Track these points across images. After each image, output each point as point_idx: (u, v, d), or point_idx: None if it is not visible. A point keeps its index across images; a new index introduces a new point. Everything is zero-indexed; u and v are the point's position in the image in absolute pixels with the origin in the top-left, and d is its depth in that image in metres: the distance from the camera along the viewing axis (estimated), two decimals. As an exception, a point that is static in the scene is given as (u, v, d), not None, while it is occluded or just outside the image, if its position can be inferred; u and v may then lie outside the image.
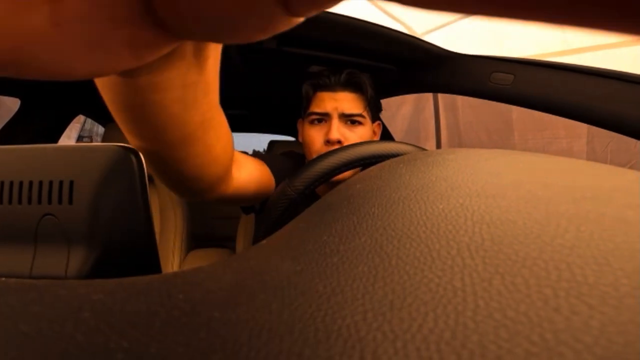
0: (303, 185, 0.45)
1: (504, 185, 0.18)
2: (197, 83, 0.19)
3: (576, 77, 0.63)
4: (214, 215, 1.71)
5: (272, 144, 1.45)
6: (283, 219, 0.47)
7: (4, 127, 1.05)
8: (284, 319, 0.08)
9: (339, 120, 0.63)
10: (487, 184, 0.18)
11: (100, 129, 2.09)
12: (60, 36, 0.10)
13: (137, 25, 0.11)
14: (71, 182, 0.18)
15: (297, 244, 0.15)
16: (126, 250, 0.20)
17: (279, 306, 0.09)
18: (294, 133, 1.76)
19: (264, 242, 0.18)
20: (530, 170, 0.21)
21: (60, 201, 0.18)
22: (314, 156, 0.63)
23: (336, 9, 0.64)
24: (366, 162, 0.47)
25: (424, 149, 0.52)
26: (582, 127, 1.84)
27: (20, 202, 0.18)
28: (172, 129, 0.21)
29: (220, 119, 0.25)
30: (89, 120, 2.50)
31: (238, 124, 1.75)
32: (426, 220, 0.14)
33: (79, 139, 2.45)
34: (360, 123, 0.64)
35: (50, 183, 0.18)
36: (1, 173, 0.19)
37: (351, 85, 0.63)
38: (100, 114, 1.36)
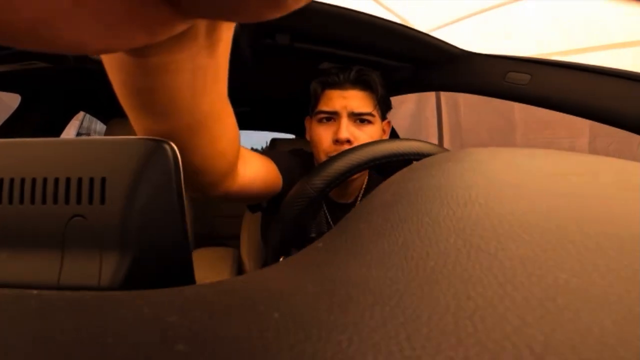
0: (323, 184, 0.44)
1: (569, 185, 0.17)
2: (207, 68, 0.19)
3: (595, 78, 0.62)
4: (215, 214, 1.69)
5: (274, 141, 1.43)
6: (301, 218, 0.45)
7: (2, 125, 1.02)
8: (435, 336, 0.07)
9: (348, 119, 0.61)
10: (550, 184, 0.17)
11: (99, 126, 2.06)
12: (78, 10, 0.10)
13: (151, 2, 0.11)
14: (103, 180, 0.16)
15: (371, 247, 0.13)
16: (161, 255, 0.18)
17: (414, 321, 0.07)
18: (295, 131, 1.75)
19: (319, 244, 0.16)
20: (579, 170, 0.20)
21: (90, 201, 0.16)
22: (322, 155, 0.63)
23: (347, 4, 0.63)
24: (389, 160, 0.45)
25: (446, 150, 0.50)
26: (584, 127, 1.85)
27: (44, 201, 0.16)
28: (180, 115, 0.21)
29: (228, 111, 0.25)
30: (87, 118, 2.47)
31: (240, 121, 1.72)
32: (520, 220, 0.12)
33: (78, 136, 2.42)
34: (370, 122, 0.62)
35: (79, 180, 0.16)
36: (23, 169, 0.17)
37: (361, 83, 0.62)
38: (101, 110, 1.34)
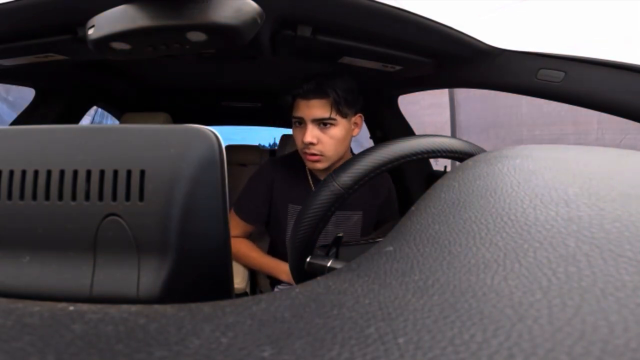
0: (352, 181, 0.41)
1: None
2: None
3: (634, 77, 0.59)
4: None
5: (285, 138, 1.41)
6: (327, 217, 0.43)
7: (17, 118, 1.02)
8: None
9: (312, 124, 0.74)
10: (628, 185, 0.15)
11: (111, 122, 2.06)
12: None
13: None
14: (142, 173, 0.14)
15: (467, 252, 0.11)
16: (202, 258, 0.16)
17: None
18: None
19: (389, 248, 0.14)
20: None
21: (127, 197, 0.14)
22: (300, 152, 0.76)
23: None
24: (419, 157, 0.43)
25: (470, 143, 0.47)
26: (591, 124, 1.80)
27: (74, 198, 0.14)
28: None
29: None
30: (99, 113, 2.48)
31: (250, 117, 1.72)
32: None
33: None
34: (332, 124, 0.75)
35: (115, 173, 0.14)
36: (49, 160, 0.14)
37: (320, 93, 0.73)
38: (115, 104, 1.33)
